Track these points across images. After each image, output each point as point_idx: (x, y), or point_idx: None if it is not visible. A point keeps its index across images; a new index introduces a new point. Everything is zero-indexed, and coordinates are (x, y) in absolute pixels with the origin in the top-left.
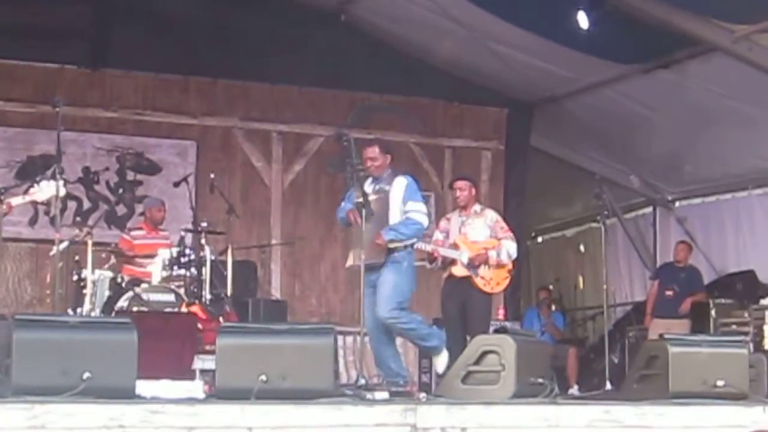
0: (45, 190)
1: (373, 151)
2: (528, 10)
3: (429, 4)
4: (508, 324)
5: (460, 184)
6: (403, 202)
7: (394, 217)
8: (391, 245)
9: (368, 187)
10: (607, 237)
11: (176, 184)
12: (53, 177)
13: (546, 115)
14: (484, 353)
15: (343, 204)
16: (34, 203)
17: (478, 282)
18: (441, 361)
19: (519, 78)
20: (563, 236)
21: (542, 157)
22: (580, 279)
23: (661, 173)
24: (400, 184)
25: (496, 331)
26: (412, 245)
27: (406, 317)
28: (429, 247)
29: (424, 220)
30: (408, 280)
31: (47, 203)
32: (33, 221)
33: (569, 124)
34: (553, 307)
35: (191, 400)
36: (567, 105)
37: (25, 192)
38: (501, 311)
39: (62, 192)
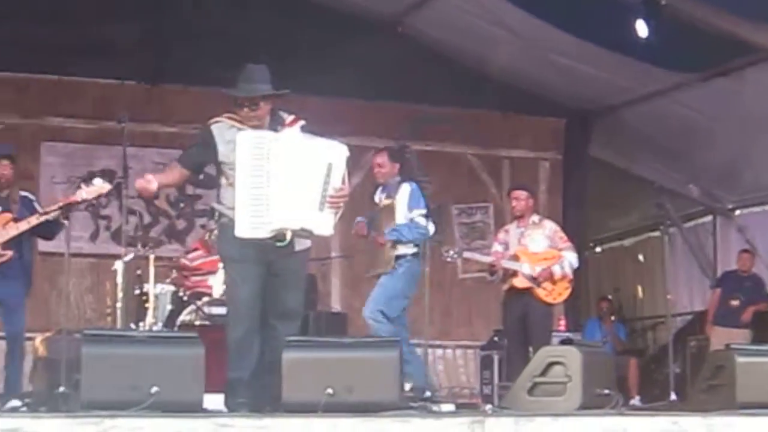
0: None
1: (382, 158)
2: (585, 19)
3: (486, 15)
4: (570, 335)
5: (516, 193)
6: (408, 208)
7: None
8: (397, 252)
9: (378, 195)
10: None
11: None
12: (118, 192)
13: (604, 124)
14: (550, 364)
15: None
16: (89, 205)
17: (540, 293)
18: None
19: (576, 88)
20: (621, 246)
21: (600, 166)
22: (639, 289)
23: (720, 181)
24: (404, 191)
25: (562, 343)
26: (415, 254)
27: (387, 327)
28: (489, 259)
29: (430, 227)
30: (401, 284)
31: (108, 217)
32: (94, 236)
33: (627, 133)
34: (613, 318)
35: (258, 414)
36: (625, 114)
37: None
38: (562, 322)
39: (106, 188)
